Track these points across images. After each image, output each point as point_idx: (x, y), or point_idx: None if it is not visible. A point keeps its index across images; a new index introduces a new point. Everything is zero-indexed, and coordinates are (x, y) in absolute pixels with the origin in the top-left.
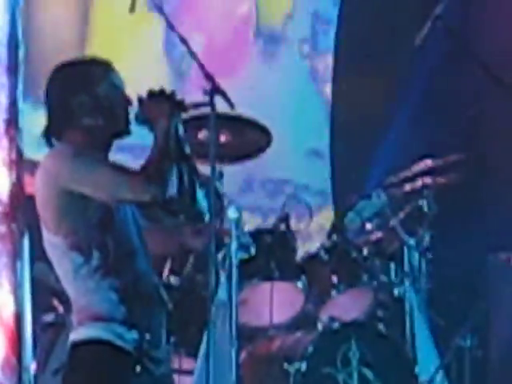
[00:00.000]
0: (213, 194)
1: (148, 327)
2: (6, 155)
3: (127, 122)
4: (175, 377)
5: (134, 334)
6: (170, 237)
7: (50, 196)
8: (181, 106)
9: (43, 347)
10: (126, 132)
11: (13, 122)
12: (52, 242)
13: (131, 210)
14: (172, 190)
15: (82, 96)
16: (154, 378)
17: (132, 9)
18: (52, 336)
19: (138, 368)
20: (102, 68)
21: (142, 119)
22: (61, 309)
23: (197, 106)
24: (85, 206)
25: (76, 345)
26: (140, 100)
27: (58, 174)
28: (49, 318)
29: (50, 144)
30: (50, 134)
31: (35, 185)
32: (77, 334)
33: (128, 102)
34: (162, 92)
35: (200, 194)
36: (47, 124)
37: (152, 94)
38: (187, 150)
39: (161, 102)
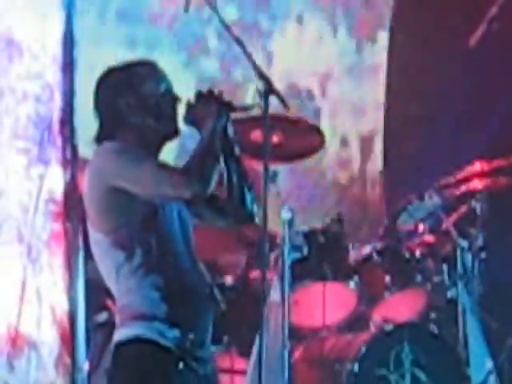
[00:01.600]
0: (266, 195)
1: (192, 326)
2: (60, 154)
3: (175, 121)
4: (228, 376)
5: (175, 332)
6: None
7: (95, 192)
8: (229, 107)
9: (96, 347)
10: (175, 133)
11: (67, 121)
12: (96, 238)
13: (178, 209)
14: (213, 188)
15: (129, 96)
16: (198, 376)
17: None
18: (105, 335)
19: (181, 365)
20: (146, 68)
21: (190, 120)
22: (114, 308)
23: (245, 108)
24: (129, 203)
25: (119, 344)
26: (189, 101)
27: (102, 169)
28: (102, 317)
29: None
30: (101, 137)
31: (84, 182)
32: (119, 334)
33: (176, 100)
34: (210, 93)
35: (249, 196)
36: (99, 128)
37: (200, 95)
38: (237, 151)
39: (208, 102)
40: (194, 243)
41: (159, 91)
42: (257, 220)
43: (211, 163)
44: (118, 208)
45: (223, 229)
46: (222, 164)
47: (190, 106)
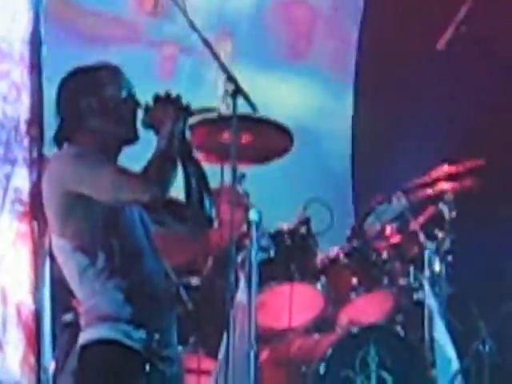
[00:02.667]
0: (233, 196)
1: (157, 327)
2: (27, 155)
3: (135, 126)
4: (195, 377)
5: (141, 333)
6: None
7: (54, 198)
8: (186, 110)
9: (62, 347)
10: (134, 137)
11: (35, 121)
12: (58, 244)
13: (138, 212)
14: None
15: (90, 98)
16: (166, 377)
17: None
18: (71, 336)
19: (148, 367)
20: (110, 72)
21: (148, 123)
22: (80, 309)
23: (204, 110)
24: (89, 208)
25: (85, 346)
26: (147, 104)
27: (60, 175)
28: (68, 317)
29: (60, 147)
30: (61, 138)
31: (43, 188)
32: (85, 336)
33: (137, 105)
34: (167, 96)
35: (208, 200)
36: (58, 127)
37: (158, 98)
38: (195, 155)
39: (166, 105)
40: (160, 244)
41: (121, 95)
42: (215, 224)
43: (169, 166)
44: (78, 213)
45: (183, 235)
46: (180, 168)
47: (147, 109)
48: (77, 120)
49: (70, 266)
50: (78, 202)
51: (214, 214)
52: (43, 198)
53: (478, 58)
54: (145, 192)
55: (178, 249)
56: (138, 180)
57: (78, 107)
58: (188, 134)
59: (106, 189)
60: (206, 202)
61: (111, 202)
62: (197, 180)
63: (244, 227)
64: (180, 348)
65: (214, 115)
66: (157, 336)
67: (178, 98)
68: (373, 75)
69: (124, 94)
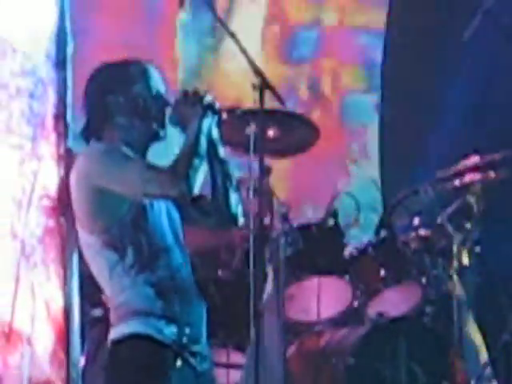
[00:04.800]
0: (260, 189)
1: (187, 321)
2: (54, 150)
3: (163, 124)
4: (224, 370)
5: (172, 328)
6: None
7: (83, 194)
8: (213, 107)
9: (92, 342)
10: (162, 135)
11: (61, 117)
12: (86, 240)
13: (166, 207)
14: (200, 187)
15: (118, 95)
16: (196, 373)
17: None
18: (101, 331)
19: (179, 362)
20: (139, 68)
21: (176, 120)
22: (110, 304)
23: (231, 109)
24: (117, 204)
25: (116, 342)
26: (174, 102)
27: (88, 171)
28: (97, 312)
29: (88, 143)
30: (88, 134)
31: (70, 184)
32: (116, 331)
33: (166, 103)
34: (195, 93)
35: (234, 199)
36: (85, 124)
37: (185, 95)
38: (221, 153)
39: (194, 102)
40: (191, 237)
41: (150, 93)
42: (241, 222)
43: (197, 162)
44: (106, 209)
45: (210, 229)
46: (207, 166)
47: (175, 106)
48: (104, 116)
49: (99, 263)
50: (106, 198)
51: (239, 212)
52: (71, 195)
53: (506, 47)
54: (173, 187)
55: (208, 240)
56: (166, 175)
57: (106, 104)
58: (215, 133)
59: (134, 184)
60: (232, 201)
61: (139, 197)
62: (222, 179)
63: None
64: (209, 342)
65: (241, 111)
66: (187, 330)
67: (206, 94)
68: (400, 62)
69: (153, 91)
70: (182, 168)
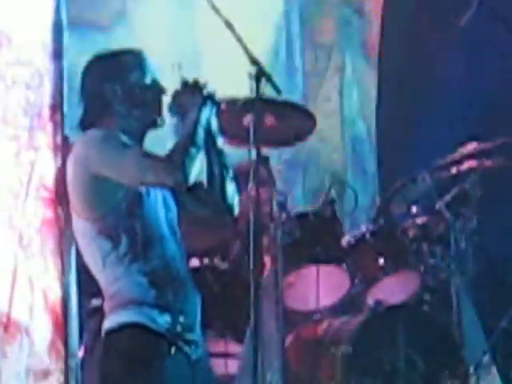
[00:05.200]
0: (257, 179)
1: (181, 310)
2: (51, 140)
3: (160, 111)
4: (222, 360)
5: (166, 317)
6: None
7: (79, 181)
8: (213, 98)
9: (90, 332)
10: (160, 122)
11: (58, 107)
12: (81, 228)
13: (162, 195)
14: (196, 176)
15: (115, 84)
16: (191, 361)
17: None
18: (99, 321)
19: (173, 351)
20: (134, 57)
21: (175, 110)
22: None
23: (231, 100)
24: (113, 191)
25: (110, 331)
26: (174, 91)
27: (85, 157)
28: (95, 302)
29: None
30: (86, 124)
31: (68, 170)
32: (110, 321)
33: (161, 91)
34: (195, 83)
35: (230, 189)
36: (83, 113)
37: (185, 85)
38: (219, 144)
39: (193, 92)
40: (185, 228)
41: (146, 81)
42: (236, 212)
43: (193, 152)
44: (102, 196)
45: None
46: (204, 156)
47: (175, 95)
48: (102, 106)
49: (92, 250)
50: (102, 184)
51: (235, 202)
52: (67, 180)
53: (500, 37)
54: (169, 175)
55: (205, 232)
56: (163, 163)
57: (103, 93)
58: (214, 124)
59: (130, 171)
60: (228, 191)
61: (135, 184)
62: (219, 169)
63: (270, 209)
64: (207, 332)
65: (237, 99)
66: (181, 319)
67: (206, 85)
68: (396, 54)
69: (148, 79)
70: (178, 157)
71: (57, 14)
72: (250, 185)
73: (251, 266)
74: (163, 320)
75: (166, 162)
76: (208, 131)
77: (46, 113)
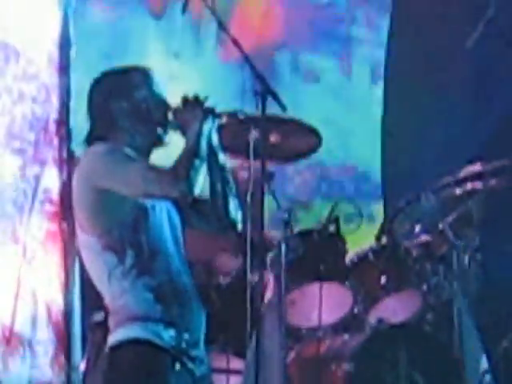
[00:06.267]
0: (262, 195)
1: (186, 326)
2: (56, 154)
3: (165, 128)
4: (224, 376)
5: (171, 333)
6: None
7: (84, 195)
8: (213, 112)
9: (93, 346)
10: (165, 139)
11: (64, 122)
12: (86, 242)
13: (167, 210)
14: (200, 191)
15: (121, 100)
16: (195, 377)
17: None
18: (102, 335)
19: (178, 367)
20: (141, 74)
21: (176, 125)
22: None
23: (231, 113)
24: (119, 206)
25: (115, 346)
26: (176, 107)
27: (90, 171)
28: (98, 316)
29: None
30: (92, 139)
31: (73, 184)
32: (115, 336)
33: (167, 107)
34: (195, 98)
35: (233, 205)
36: (89, 129)
37: (186, 100)
38: (222, 160)
39: (194, 107)
40: (191, 243)
41: (152, 98)
42: (239, 227)
43: (197, 164)
44: (108, 210)
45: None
46: (206, 172)
47: (176, 111)
48: (108, 122)
49: (98, 265)
50: (107, 198)
51: (238, 218)
52: (73, 195)
53: (506, 57)
54: (173, 187)
55: (208, 246)
56: (167, 176)
57: (110, 110)
58: (215, 139)
59: (135, 183)
60: (231, 206)
61: (140, 196)
62: (222, 184)
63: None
64: (209, 347)
65: (241, 116)
66: (186, 335)
67: (206, 100)
68: (402, 73)
69: (155, 96)
70: (182, 169)
71: (64, 30)
72: (249, 197)
73: (252, 283)
74: (168, 336)
75: (170, 173)
76: (210, 146)
77: (52, 127)
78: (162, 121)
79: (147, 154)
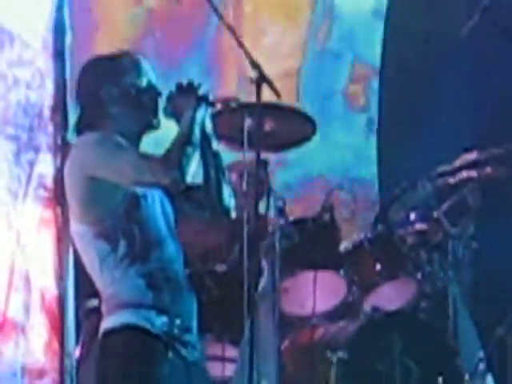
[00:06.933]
0: (256, 183)
1: (178, 312)
2: (51, 141)
3: (156, 113)
4: (219, 364)
5: (163, 319)
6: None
7: (76, 184)
8: (207, 99)
9: (87, 333)
10: (155, 124)
11: (58, 108)
12: (78, 231)
13: (160, 200)
14: (192, 179)
15: (110, 86)
16: (187, 363)
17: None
18: (96, 321)
19: (170, 353)
20: (130, 60)
21: (170, 112)
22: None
23: (225, 100)
24: (111, 194)
25: (107, 333)
26: (169, 93)
27: (81, 160)
28: (92, 303)
29: (81, 135)
30: (82, 126)
31: (65, 173)
32: (107, 322)
33: (157, 93)
34: (189, 85)
35: (226, 191)
36: (78, 116)
37: (180, 87)
38: (215, 146)
39: (188, 94)
40: (186, 231)
41: (141, 83)
42: (233, 214)
43: (190, 151)
44: (99, 199)
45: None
46: (199, 158)
47: (169, 98)
48: (97, 108)
49: (90, 253)
50: (99, 187)
51: (232, 204)
52: (65, 183)
53: (502, 46)
54: (165, 175)
55: (203, 235)
56: (159, 163)
57: (99, 95)
58: (209, 126)
59: (126, 171)
60: (225, 194)
61: (132, 184)
62: (215, 171)
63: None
64: (205, 335)
65: (235, 103)
66: (178, 321)
67: (200, 86)
68: (397, 62)
69: (144, 81)
70: (174, 156)
71: (58, 15)
72: (244, 186)
73: (248, 270)
74: (160, 322)
75: (162, 161)
76: (203, 133)
77: (47, 113)
78: (151, 105)
79: (138, 139)
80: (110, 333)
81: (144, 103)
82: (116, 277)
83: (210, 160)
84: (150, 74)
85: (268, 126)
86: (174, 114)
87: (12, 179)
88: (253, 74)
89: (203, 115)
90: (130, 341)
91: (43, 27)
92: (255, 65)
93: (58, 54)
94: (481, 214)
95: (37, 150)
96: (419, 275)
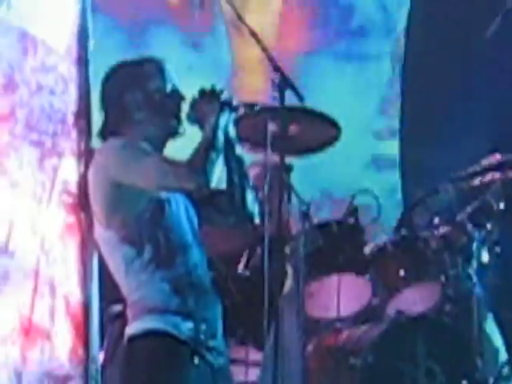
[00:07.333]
0: (281, 187)
1: (203, 317)
2: (74, 146)
3: (180, 119)
4: (243, 368)
5: (189, 324)
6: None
7: (100, 189)
8: (230, 104)
9: (111, 338)
10: (180, 130)
11: (82, 113)
12: (104, 236)
13: (185, 206)
14: (216, 185)
15: (135, 91)
16: (213, 368)
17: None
18: (120, 327)
19: (196, 359)
20: (154, 66)
21: (193, 118)
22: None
23: (248, 105)
24: (135, 199)
25: (132, 338)
26: (192, 99)
27: (105, 166)
28: (117, 309)
29: (105, 141)
30: (106, 132)
31: (89, 179)
32: (132, 328)
33: (181, 98)
34: (212, 90)
35: (250, 197)
36: (103, 122)
37: (203, 93)
38: (238, 152)
39: (211, 100)
40: (211, 236)
41: (165, 89)
42: (257, 220)
43: (214, 157)
44: (125, 204)
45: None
46: (223, 164)
47: (193, 104)
48: (122, 114)
49: (116, 258)
50: (123, 192)
51: (256, 210)
52: (89, 189)
53: None
54: (189, 180)
55: (227, 238)
56: (183, 168)
57: (123, 101)
58: (232, 131)
59: (151, 176)
60: (248, 199)
61: (156, 189)
62: (239, 176)
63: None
64: (228, 340)
65: (258, 107)
66: (203, 326)
67: (222, 92)
68: (421, 60)
69: (168, 87)
70: (199, 161)
71: (82, 20)
72: (266, 189)
73: (270, 275)
74: (186, 327)
75: (186, 166)
76: (226, 139)
77: (70, 119)
78: (175, 111)
79: (162, 145)
80: (135, 338)
81: (168, 108)
82: (142, 281)
83: (234, 165)
84: (173, 79)
85: (292, 130)
86: (198, 119)
87: (36, 185)
88: (275, 77)
89: (227, 120)
90: (156, 346)
91: (67, 32)
92: (278, 68)
93: (81, 60)
94: (504, 216)
95: (60, 156)
96: (443, 279)
